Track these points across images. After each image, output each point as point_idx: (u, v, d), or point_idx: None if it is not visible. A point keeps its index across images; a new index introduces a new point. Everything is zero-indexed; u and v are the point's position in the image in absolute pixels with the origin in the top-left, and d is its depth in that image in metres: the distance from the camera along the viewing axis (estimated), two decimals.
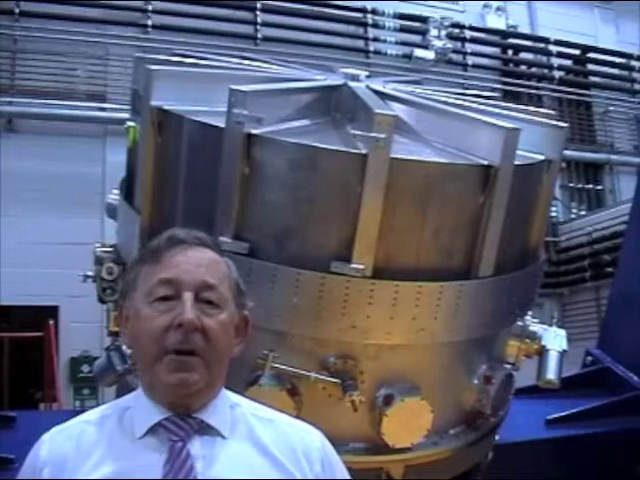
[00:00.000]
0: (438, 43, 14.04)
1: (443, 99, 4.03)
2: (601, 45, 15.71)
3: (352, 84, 3.81)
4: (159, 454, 1.77)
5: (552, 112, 4.47)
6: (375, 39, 14.01)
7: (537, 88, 15.21)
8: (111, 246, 3.96)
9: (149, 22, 12.40)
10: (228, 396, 1.96)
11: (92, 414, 1.93)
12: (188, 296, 1.83)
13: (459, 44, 14.59)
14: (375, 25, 14.03)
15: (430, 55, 13.98)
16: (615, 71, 15.85)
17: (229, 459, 1.81)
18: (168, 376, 1.80)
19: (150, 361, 1.83)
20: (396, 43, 14.10)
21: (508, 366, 3.82)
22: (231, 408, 1.92)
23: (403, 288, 3.22)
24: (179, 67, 3.79)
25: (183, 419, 1.83)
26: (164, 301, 1.84)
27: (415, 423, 3.38)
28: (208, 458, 1.79)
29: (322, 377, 3.28)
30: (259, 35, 13.05)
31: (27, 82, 11.69)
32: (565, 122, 3.88)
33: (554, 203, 13.27)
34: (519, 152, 3.30)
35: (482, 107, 3.92)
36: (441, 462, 3.63)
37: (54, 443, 1.85)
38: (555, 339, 4.02)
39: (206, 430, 1.84)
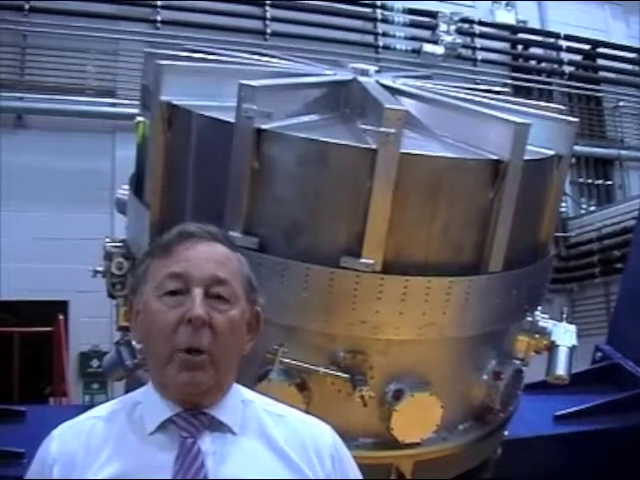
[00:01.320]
0: (447, 38, 14.01)
1: (452, 94, 4.02)
2: (611, 40, 15.65)
3: (361, 79, 3.81)
4: (169, 450, 1.77)
5: (562, 107, 4.45)
6: (384, 34, 13.98)
7: (547, 83, 15.18)
8: (121, 241, 3.96)
9: (158, 17, 12.40)
10: (241, 392, 1.95)
11: (102, 409, 1.93)
12: (197, 292, 1.82)
13: (468, 39, 14.56)
14: (384, 20, 14.01)
15: (439, 50, 13.95)
16: (625, 66, 15.79)
17: (240, 456, 1.80)
18: (178, 376, 1.79)
19: (161, 361, 1.82)
20: (405, 38, 14.08)
21: (517, 362, 3.80)
22: (243, 404, 1.92)
23: (412, 283, 3.21)
24: (188, 62, 3.79)
25: (194, 415, 1.82)
26: (173, 295, 1.83)
27: (424, 418, 3.38)
28: (219, 455, 1.78)
29: (331, 372, 3.28)
30: (268, 30, 13.05)
31: (37, 78, 11.72)
32: (575, 117, 3.87)
33: (564, 198, 13.23)
34: (529, 147, 3.30)
35: (492, 102, 3.91)
36: (450, 457, 3.63)
37: (64, 439, 1.85)
38: (565, 335, 4.02)
39: (217, 426, 1.83)
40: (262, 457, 1.82)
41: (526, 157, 3.28)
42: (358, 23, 13.98)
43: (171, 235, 1.93)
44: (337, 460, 1.90)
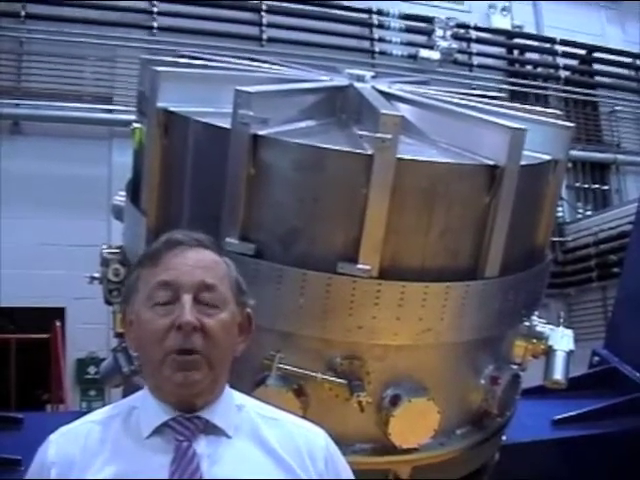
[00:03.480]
0: (443, 43, 14.02)
1: (449, 99, 4.02)
2: (607, 44, 15.67)
3: (358, 85, 3.81)
4: (165, 454, 1.78)
5: (558, 112, 4.46)
6: (380, 40, 13.98)
7: (543, 88, 15.18)
8: (117, 247, 3.96)
9: (155, 24, 12.41)
10: (233, 396, 1.97)
11: (99, 414, 1.95)
12: (187, 298, 1.84)
13: (464, 44, 14.56)
14: (380, 26, 14.01)
15: (435, 55, 13.96)
16: (621, 71, 15.81)
17: (234, 459, 1.82)
18: (172, 375, 1.81)
19: (155, 365, 1.84)
20: (401, 44, 14.08)
21: (515, 366, 3.81)
22: (237, 407, 1.93)
23: (409, 289, 3.22)
24: (185, 68, 3.79)
25: (189, 419, 1.84)
26: (164, 304, 1.85)
27: (422, 424, 3.38)
28: (213, 458, 1.80)
29: (329, 378, 3.28)
30: (264, 36, 13.04)
31: (33, 84, 11.71)
32: (571, 122, 3.88)
33: (560, 203, 13.24)
34: (525, 152, 3.30)
35: (488, 107, 3.92)
36: (448, 462, 3.62)
37: (61, 443, 1.86)
38: (562, 339, 4.02)
39: (211, 430, 1.85)
40: (256, 460, 1.83)
41: (522, 162, 3.29)
42: (354, 29, 13.98)
43: (159, 244, 1.96)
44: (330, 463, 1.91)
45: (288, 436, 1.90)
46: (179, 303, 1.83)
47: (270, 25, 13.13)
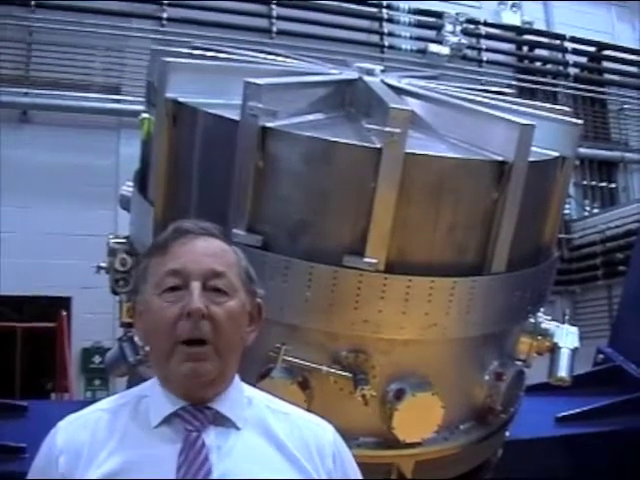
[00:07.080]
0: (453, 39, 14.03)
1: (458, 94, 4.02)
2: (617, 42, 15.64)
3: (367, 78, 3.80)
4: (174, 444, 1.78)
5: (567, 109, 4.44)
6: (390, 34, 14.00)
7: (552, 85, 15.17)
8: (124, 237, 3.97)
9: (164, 15, 12.42)
10: (244, 388, 1.96)
11: (108, 402, 1.94)
12: (196, 285, 1.83)
13: (474, 40, 14.57)
14: (390, 20, 14.03)
15: (445, 51, 13.97)
16: (631, 69, 15.78)
17: (243, 450, 1.81)
18: (180, 367, 1.81)
19: (164, 355, 1.84)
20: (411, 38, 14.10)
21: (519, 363, 3.81)
22: (247, 400, 1.93)
23: (416, 283, 3.21)
24: (194, 60, 3.79)
25: (199, 409, 1.84)
26: (173, 291, 1.85)
27: (426, 418, 3.38)
28: (222, 449, 1.79)
29: (334, 371, 3.28)
30: (274, 29, 13.06)
31: (42, 73, 11.74)
32: (580, 119, 3.87)
33: (567, 200, 13.23)
34: (533, 149, 3.29)
35: (497, 103, 3.91)
36: (451, 457, 3.63)
37: (70, 431, 1.86)
38: (567, 337, 4.01)
39: (221, 421, 1.84)
40: (265, 452, 1.83)
41: (530, 158, 3.28)
42: (364, 23, 14.00)
43: (167, 233, 1.95)
44: (338, 458, 1.91)
45: (297, 430, 1.90)
46: (188, 291, 1.83)
47: (280, 18, 13.16)
